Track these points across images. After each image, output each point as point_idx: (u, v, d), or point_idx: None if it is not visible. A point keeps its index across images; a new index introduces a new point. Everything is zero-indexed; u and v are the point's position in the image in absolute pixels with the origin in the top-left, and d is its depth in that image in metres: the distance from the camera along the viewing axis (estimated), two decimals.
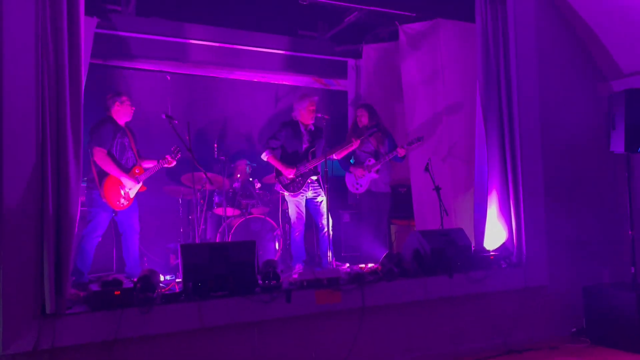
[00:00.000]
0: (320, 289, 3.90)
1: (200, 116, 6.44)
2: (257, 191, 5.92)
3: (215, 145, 6.07)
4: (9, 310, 3.10)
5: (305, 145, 5.24)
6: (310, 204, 5.25)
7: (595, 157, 5.22)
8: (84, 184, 4.59)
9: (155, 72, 6.26)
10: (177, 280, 4.39)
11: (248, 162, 6.00)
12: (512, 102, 4.83)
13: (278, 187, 5.26)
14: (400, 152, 5.37)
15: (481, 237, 4.86)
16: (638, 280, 4.54)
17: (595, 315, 4.63)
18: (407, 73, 5.90)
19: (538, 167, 4.88)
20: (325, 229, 5.08)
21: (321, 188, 5.22)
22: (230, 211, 5.66)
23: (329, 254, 4.88)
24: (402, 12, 5.72)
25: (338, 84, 7.26)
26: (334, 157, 5.40)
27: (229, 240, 5.31)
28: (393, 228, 6.17)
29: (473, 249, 4.74)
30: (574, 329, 4.78)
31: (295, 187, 5.15)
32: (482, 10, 4.86)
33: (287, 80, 7.06)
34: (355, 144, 5.32)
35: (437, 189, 5.17)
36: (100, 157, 4.52)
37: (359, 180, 5.57)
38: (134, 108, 4.79)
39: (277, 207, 5.91)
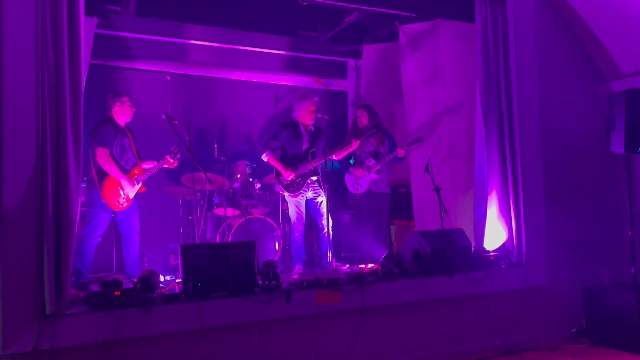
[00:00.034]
0: (320, 290, 3.90)
1: (200, 116, 6.43)
2: (257, 191, 5.92)
3: (215, 145, 6.07)
4: (9, 311, 3.10)
5: (305, 146, 5.24)
6: (310, 205, 5.24)
7: (595, 157, 5.22)
8: (84, 185, 4.59)
9: (155, 72, 6.25)
10: (177, 280, 4.39)
11: (248, 163, 6.00)
12: (512, 102, 4.83)
13: (278, 187, 5.25)
14: (400, 152, 5.37)
15: (481, 238, 4.86)
16: (638, 281, 4.54)
17: (595, 315, 4.63)
18: (407, 73, 5.90)
19: (538, 168, 4.88)
20: (325, 230, 5.07)
21: (321, 188, 5.22)
22: (230, 211, 5.66)
23: (329, 254, 4.88)
24: (402, 13, 5.71)
25: (338, 85, 7.26)
26: (334, 157, 5.40)
27: (229, 240, 5.31)
28: (393, 228, 6.16)
29: (473, 249, 4.73)
30: (574, 330, 4.78)
31: (295, 187, 5.15)
32: (482, 10, 4.86)
33: (287, 80, 7.06)
34: (354, 145, 5.32)
35: (437, 189, 5.17)
36: (102, 157, 4.51)
37: (359, 181, 5.57)
38: (134, 109, 4.78)
39: (277, 207, 5.91)
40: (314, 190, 5.22)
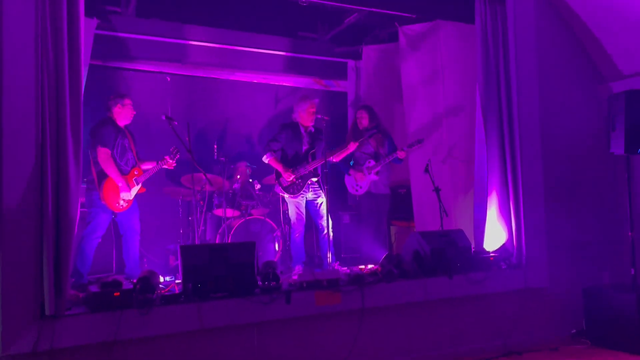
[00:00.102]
0: (320, 290, 3.90)
1: (200, 117, 6.44)
2: (257, 192, 5.92)
3: (215, 146, 6.07)
4: (9, 311, 3.10)
5: (305, 147, 5.24)
6: (310, 206, 5.24)
7: (595, 158, 5.22)
8: (84, 185, 4.58)
9: (155, 73, 6.26)
10: (177, 281, 4.38)
11: (248, 164, 6.00)
12: (512, 103, 4.83)
13: (278, 189, 5.25)
14: (401, 154, 5.37)
15: (481, 238, 4.86)
16: (638, 282, 4.53)
17: (595, 316, 4.62)
18: (406, 74, 5.90)
19: (538, 168, 4.88)
20: (325, 231, 5.07)
21: (321, 189, 5.22)
22: (230, 212, 5.66)
23: (329, 255, 4.87)
24: (402, 14, 5.72)
25: (338, 85, 7.26)
26: (332, 159, 5.40)
27: (229, 241, 5.31)
28: (393, 229, 6.17)
29: (473, 250, 4.74)
30: (574, 330, 4.78)
31: (295, 189, 5.15)
32: (482, 11, 4.86)
33: (287, 81, 7.07)
34: (351, 147, 5.31)
35: (437, 190, 5.17)
36: (104, 158, 4.51)
37: (359, 182, 5.57)
38: (134, 112, 4.78)
39: (277, 208, 5.91)
40: (314, 191, 5.22)
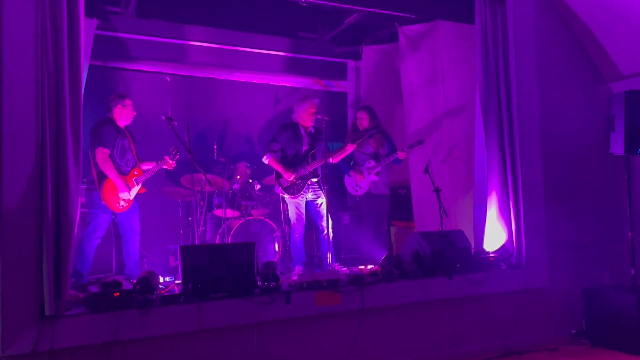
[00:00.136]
0: (319, 291, 3.90)
1: (200, 118, 6.44)
2: (257, 193, 5.92)
3: (215, 146, 6.07)
4: (8, 312, 3.10)
5: (305, 148, 5.24)
6: (310, 206, 5.24)
7: (595, 158, 5.22)
8: (84, 186, 4.58)
9: (155, 73, 6.26)
10: (177, 281, 4.38)
11: (248, 164, 6.00)
12: (512, 103, 4.83)
13: (278, 189, 5.25)
14: (401, 155, 5.36)
15: (481, 239, 4.86)
16: (638, 282, 4.54)
17: (595, 317, 4.63)
18: (406, 74, 5.90)
19: (538, 168, 4.88)
20: (325, 231, 5.07)
21: (321, 190, 5.22)
22: (229, 213, 5.66)
23: (329, 255, 4.87)
24: (402, 14, 5.71)
25: (338, 86, 7.26)
26: (330, 161, 5.39)
27: (229, 241, 5.31)
28: (393, 230, 6.16)
29: (473, 250, 4.73)
30: (574, 331, 4.78)
31: (295, 189, 5.14)
32: (482, 11, 4.86)
33: (286, 81, 7.07)
34: (349, 149, 5.30)
35: (437, 190, 5.16)
36: (102, 158, 4.51)
37: (359, 183, 5.57)
38: (135, 113, 4.78)
39: (277, 208, 5.91)
40: (314, 191, 5.22)
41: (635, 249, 4.59)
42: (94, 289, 3.51)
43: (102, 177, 4.54)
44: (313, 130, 5.30)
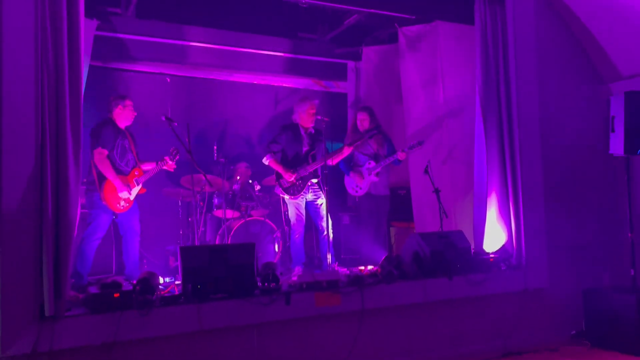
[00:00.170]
0: (319, 292, 3.90)
1: (200, 118, 6.44)
2: (257, 193, 5.93)
3: (215, 147, 6.07)
4: (8, 312, 3.10)
5: (305, 148, 5.24)
6: (310, 207, 5.24)
7: (595, 159, 5.22)
8: (84, 186, 4.58)
9: (155, 74, 6.26)
10: (177, 282, 4.38)
11: (247, 165, 6.00)
12: (512, 104, 4.83)
13: (278, 190, 5.25)
14: (401, 156, 5.35)
15: (481, 240, 4.86)
16: (638, 283, 4.54)
17: (595, 317, 4.62)
18: (406, 75, 5.90)
19: (537, 169, 4.88)
20: (325, 232, 5.07)
21: (321, 190, 5.22)
22: (229, 213, 5.66)
23: (329, 256, 4.87)
24: (402, 15, 5.72)
25: (338, 86, 7.26)
26: (328, 162, 5.38)
27: (229, 242, 5.31)
28: (392, 230, 6.16)
29: (472, 251, 4.73)
30: (574, 332, 4.78)
31: (295, 190, 5.15)
32: (481, 12, 4.87)
33: (286, 82, 7.07)
34: (346, 152, 5.30)
35: (437, 191, 5.16)
36: (99, 158, 4.51)
37: (359, 183, 5.56)
38: (135, 113, 4.78)
39: (277, 209, 5.90)
40: (314, 192, 5.22)
41: (635, 249, 4.59)
42: (93, 289, 3.51)
43: (102, 177, 4.53)
44: (313, 131, 5.31)
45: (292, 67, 6.75)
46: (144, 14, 5.85)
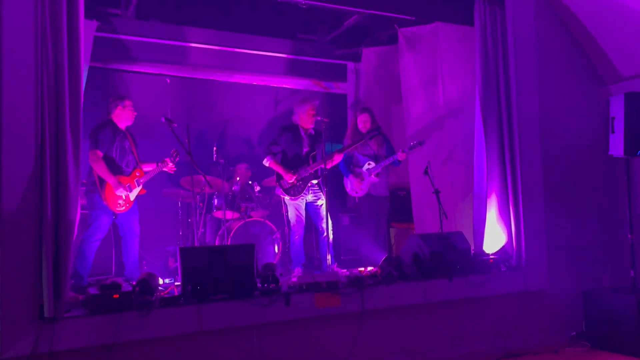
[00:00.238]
0: (319, 293, 3.89)
1: (200, 119, 6.45)
2: (257, 194, 5.92)
3: (215, 148, 6.06)
4: (8, 314, 3.10)
5: (305, 149, 5.24)
6: (310, 207, 5.24)
7: (595, 160, 5.22)
8: (85, 187, 4.58)
9: (155, 75, 6.26)
10: (176, 283, 4.37)
11: (247, 166, 6.00)
12: (511, 105, 4.83)
13: (279, 191, 5.25)
14: (401, 156, 5.35)
15: (481, 241, 4.85)
16: (638, 284, 4.53)
17: (595, 319, 4.62)
18: (406, 76, 5.90)
19: (537, 170, 4.88)
20: (325, 233, 5.07)
21: (321, 191, 5.22)
22: (229, 214, 5.66)
23: (329, 257, 4.87)
24: (402, 16, 5.72)
25: (337, 87, 7.26)
26: (323, 166, 5.37)
27: (228, 243, 5.30)
28: (392, 231, 6.15)
29: (472, 252, 4.73)
30: (574, 333, 4.77)
31: (295, 191, 5.15)
32: (481, 13, 4.87)
33: (286, 83, 7.07)
34: (337, 159, 5.25)
35: (437, 192, 5.16)
36: (93, 159, 4.49)
37: (359, 185, 5.56)
38: (135, 113, 4.79)
39: (277, 210, 5.90)
40: (314, 193, 5.22)
41: (635, 250, 4.58)
42: (93, 290, 3.50)
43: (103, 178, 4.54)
44: (313, 132, 5.31)
45: (292, 68, 6.75)
46: (144, 14, 5.86)
